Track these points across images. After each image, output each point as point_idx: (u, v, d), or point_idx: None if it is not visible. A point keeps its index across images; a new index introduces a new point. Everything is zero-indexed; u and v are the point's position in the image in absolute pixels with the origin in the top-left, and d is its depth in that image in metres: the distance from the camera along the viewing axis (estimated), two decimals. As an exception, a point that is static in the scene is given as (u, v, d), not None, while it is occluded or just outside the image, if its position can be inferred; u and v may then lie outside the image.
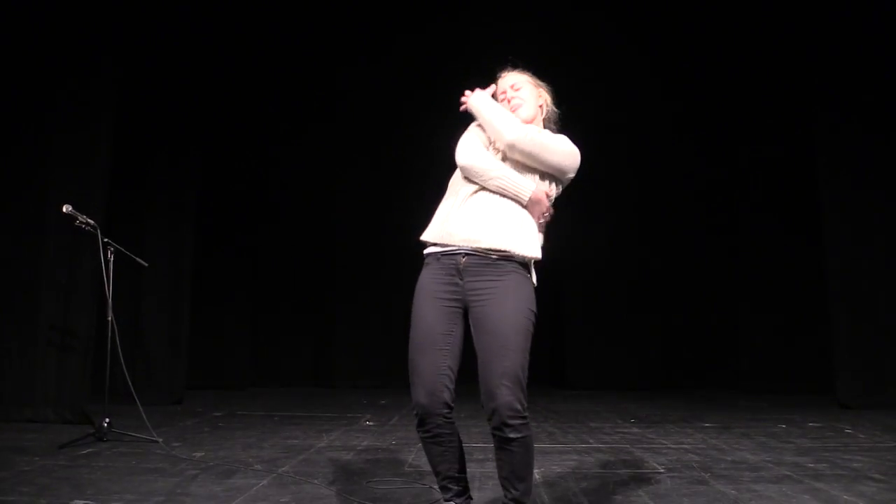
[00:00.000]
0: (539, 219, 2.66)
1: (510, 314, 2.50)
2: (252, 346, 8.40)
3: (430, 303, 2.59)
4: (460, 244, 2.59)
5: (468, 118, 2.86)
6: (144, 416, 4.90)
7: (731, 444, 4.76)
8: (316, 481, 3.66)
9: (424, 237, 2.70)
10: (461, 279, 2.58)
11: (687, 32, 8.01)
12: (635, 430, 5.41)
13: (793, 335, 7.66)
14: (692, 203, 8.53)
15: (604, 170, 8.50)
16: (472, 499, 2.72)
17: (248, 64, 8.20)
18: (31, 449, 4.43)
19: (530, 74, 2.87)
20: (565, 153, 2.70)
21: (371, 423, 5.70)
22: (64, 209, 4.74)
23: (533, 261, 2.64)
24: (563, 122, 2.92)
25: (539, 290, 2.63)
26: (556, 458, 4.24)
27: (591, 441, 4.91)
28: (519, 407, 2.44)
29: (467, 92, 2.79)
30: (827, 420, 5.79)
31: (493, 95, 2.84)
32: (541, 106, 2.83)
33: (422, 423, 2.57)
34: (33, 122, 5.81)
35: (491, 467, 3.87)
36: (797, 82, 7.29)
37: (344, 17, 8.05)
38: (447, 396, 2.53)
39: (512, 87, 2.81)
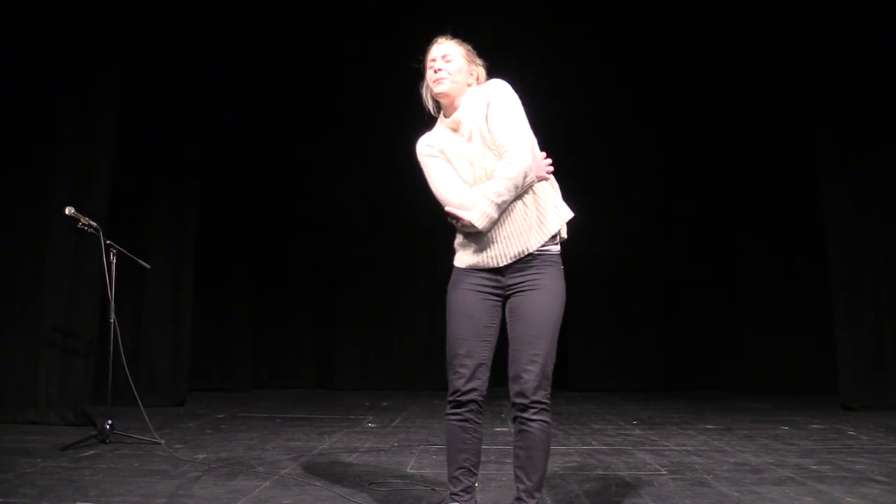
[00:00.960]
0: (543, 172, 2.70)
1: (545, 306, 2.64)
2: (254, 347, 8.40)
3: (471, 294, 2.69)
4: (497, 263, 2.67)
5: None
6: (147, 418, 4.90)
7: (733, 445, 4.76)
8: (318, 483, 3.65)
9: (459, 265, 2.76)
10: (503, 275, 2.69)
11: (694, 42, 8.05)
12: (637, 431, 5.41)
13: (795, 337, 7.64)
14: (694, 205, 8.51)
15: (605, 173, 8.54)
16: (476, 502, 2.73)
17: (252, 63, 8.26)
18: (33, 451, 4.43)
19: (468, 49, 2.80)
20: (524, 131, 2.67)
21: (373, 425, 5.69)
22: (66, 211, 4.76)
23: (562, 228, 2.74)
24: None
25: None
26: (558, 460, 4.22)
27: (593, 443, 4.90)
28: (542, 392, 2.59)
29: (459, 214, 2.64)
30: (830, 422, 5.78)
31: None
32: (469, 84, 2.76)
33: (458, 406, 2.67)
34: (36, 125, 5.82)
35: (494, 469, 3.91)
36: (802, 87, 7.29)
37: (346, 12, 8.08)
38: (484, 386, 2.67)
39: (444, 57, 2.74)
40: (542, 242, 2.66)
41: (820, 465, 4.08)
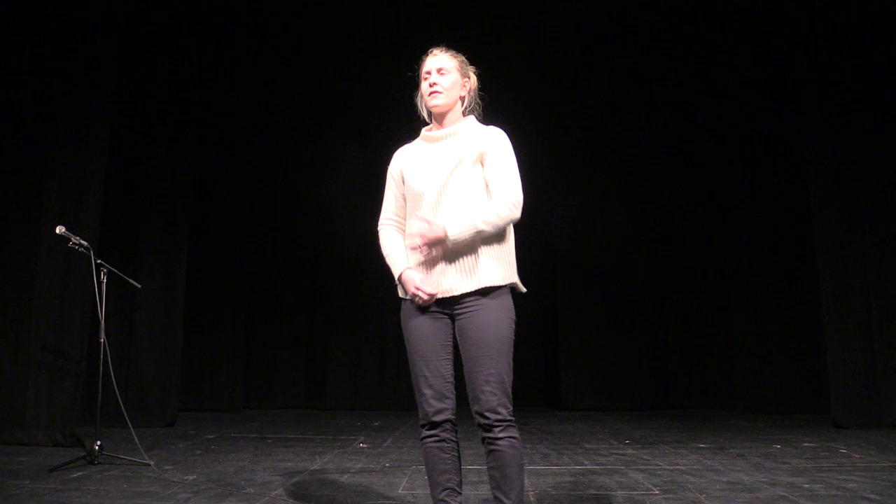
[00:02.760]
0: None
1: (492, 323, 2.66)
2: (245, 367, 8.38)
3: (421, 318, 2.73)
4: (442, 296, 2.72)
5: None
6: (136, 439, 4.87)
7: (726, 464, 4.75)
8: (309, 504, 3.64)
9: (403, 295, 2.81)
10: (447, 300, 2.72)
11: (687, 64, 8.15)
12: (630, 451, 5.40)
13: (787, 355, 7.67)
14: (688, 224, 8.56)
15: (596, 195, 8.57)
16: None
17: (246, 86, 8.29)
18: (21, 472, 4.39)
19: (461, 60, 2.90)
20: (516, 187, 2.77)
21: (365, 446, 5.68)
22: (57, 230, 4.74)
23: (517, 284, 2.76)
24: (488, 109, 2.98)
25: (533, 312, 2.73)
26: (550, 480, 4.22)
27: (585, 462, 4.89)
28: (503, 410, 2.61)
29: (424, 239, 2.69)
30: (822, 440, 5.79)
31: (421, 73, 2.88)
32: (462, 97, 2.87)
33: (432, 428, 2.71)
34: (28, 144, 5.82)
35: (485, 490, 3.88)
36: (791, 105, 7.38)
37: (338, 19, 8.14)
38: (453, 403, 2.71)
39: (439, 70, 2.83)
40: (474, 289, 2.67)
41: (812, 484, 4.08)
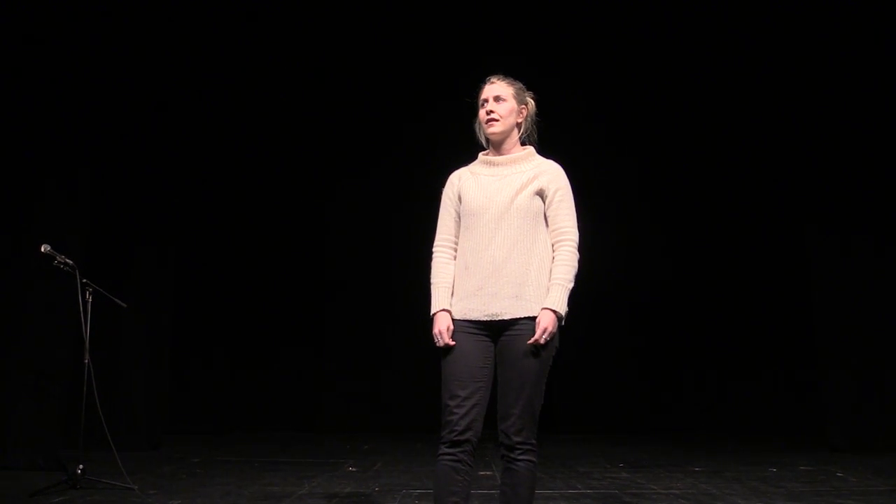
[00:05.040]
0: None
1: (536, 351, 2.74)
2: (232, 389, 8.33)
3: (464, 336, 2.82)
4: (490, 319, 2.82)
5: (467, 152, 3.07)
6: (120, 463, 4.82)
7: (722, 488, 4.76)
8: (297, 529, 3.62)
9: (457, 316, 2.88)
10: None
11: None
12: (624, 474, 5.39)
13: (784, 378, 7.72)
14: (679, 247, 8.58)
15: (591, 212, 8.57)
16: None
17: (234, 113, 8.29)
18: (1, 497, 4.35)
19: (518, 87, 3.03)
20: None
21: (354, 469, 5.65)
22: (42, 249, 4.70)
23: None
24: (544, 134, 3.10)
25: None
26: (543, 505, 4.19)
27: (579, 486, 4.89)
28: (528, 434, 2.73)
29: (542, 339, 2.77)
30: (818, 463, 5.81)
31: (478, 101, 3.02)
32: (519, 123, 3.01)
33: (453, 447, 2.74)
34: (14, 160, 5.82)
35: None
36: (787, 127, 7.46)
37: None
38: (479, 426, 2.76)
39: (496, 98, 2.96)
40: (524, 315, 2.77)
41: (808, 509, 4.10)
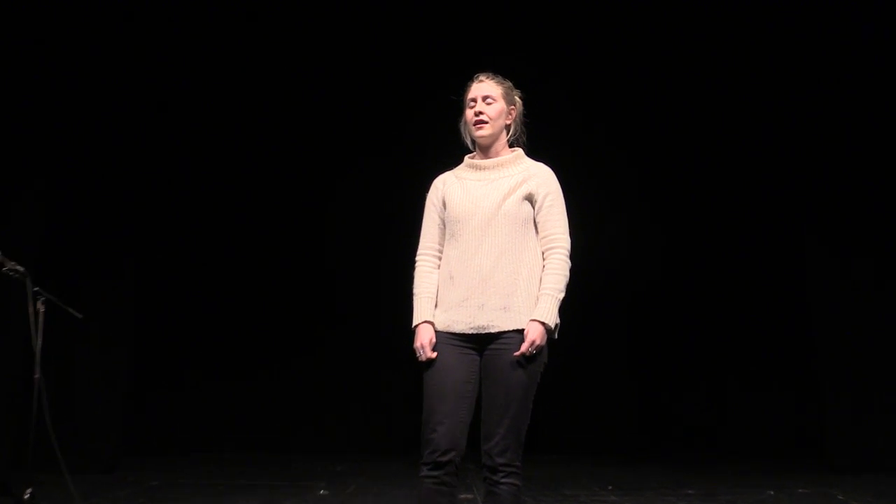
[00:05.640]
0: None
1: (523, 366, 2.70)
2: (195, 407, 8.04)
3: (448, 349, 2.76)
4: (476, 331, 2.78)
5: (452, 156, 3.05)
6: (72, 486, 4.60)
7: (718, 513, 4.67)
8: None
9: (440, 328, 2.84)
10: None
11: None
12: (613, 497, 5.32)
13: (779, 396, 7.67)
14: (674, 262, 8.41)
15: (582, 224, 8.43)
16: None
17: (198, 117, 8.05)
18: (-62, 525, 4.11)
19: (507, 87, 2.97)
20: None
21: (326, 492, 5.56)
22: (-10, 255, 4.51)
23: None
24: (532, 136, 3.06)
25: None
26: (530, 531, 4.05)
27: (567, 510, 4.76)
28: (512, 456, 2.68)
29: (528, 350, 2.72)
30: (817, 486, 5.73)
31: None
32: (508, 124, 2.95)
33: (436, 468, 2.67)
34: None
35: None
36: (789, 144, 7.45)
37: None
38: (463, 445, 2.71)
39: (485, 99, 2.89)
40: (513, 328, 2.72)
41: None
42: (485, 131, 2.86)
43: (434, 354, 2.73)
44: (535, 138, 3.08)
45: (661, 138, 8.30)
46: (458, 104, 3.03)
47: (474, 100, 2.89)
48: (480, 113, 2.86)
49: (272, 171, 8.30)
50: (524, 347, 2.64)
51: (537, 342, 2.66)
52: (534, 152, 3.02)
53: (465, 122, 2.94)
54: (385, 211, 7.64)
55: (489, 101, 2.87)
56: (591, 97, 8.04)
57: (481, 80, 2.92)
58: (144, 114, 7.10)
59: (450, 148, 3.17)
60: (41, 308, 4.65)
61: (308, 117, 8.15)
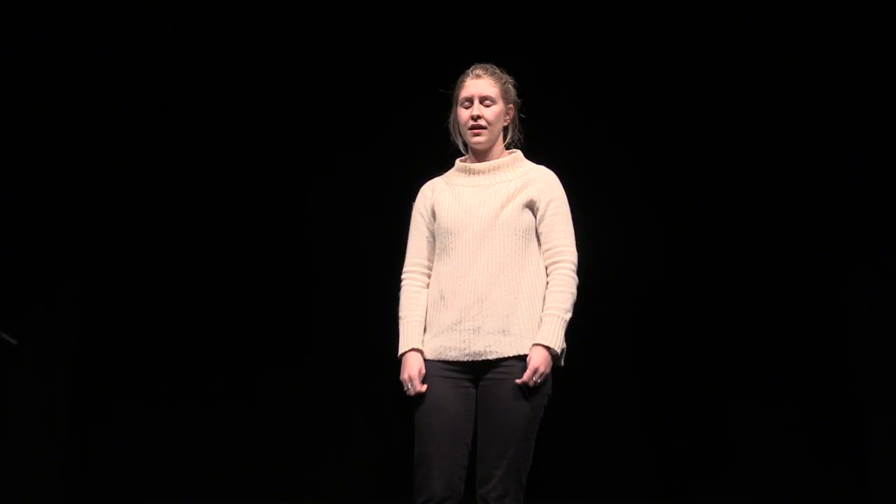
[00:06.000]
0: None
1: (524, 398, 2.61)
2: (148, 452, 7.53)
3: (440, 382, 2.66)
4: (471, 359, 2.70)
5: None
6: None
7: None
8: None
9: (430, 356, 2.75)
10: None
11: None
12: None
13: (815, 438, 7.17)
14: (693, 285, 7.91)
15: (585, 246, 8.07)
16: None
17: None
18: None
19: (504, 83, 2.84)
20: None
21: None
22: None
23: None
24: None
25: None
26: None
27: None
28: (511, 499, 2.62)
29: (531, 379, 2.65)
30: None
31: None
32: (506, 126, 2.85)
33: None
34: None
35: None
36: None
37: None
38: (461, 488, 2.66)
39: (482, 100, 2.75)
40: (513, 354, 2.65)
41: None
42: (483, 138, 2.75)
43: (424, 388, 2.63)
44: (534, 138, 2.95)
45: (661, 138, 8.02)
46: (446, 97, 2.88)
47: (470, 100, 2.75)
48: (479, 118, 2.73)
49: (237, 182, 7.86)
50: (526, 376, 2.56)
51: (541, 370, 2.58)
52: (532, 152, 2.88)
53: (458, 123, 2.82)
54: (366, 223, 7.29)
55: (487, 103, 2.74)
56: (591, 97, 7.87)
57: (478, 76, 2.78)
58: (92, 113, 6.91)
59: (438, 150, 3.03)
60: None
61: (281, 119, 7.79)
